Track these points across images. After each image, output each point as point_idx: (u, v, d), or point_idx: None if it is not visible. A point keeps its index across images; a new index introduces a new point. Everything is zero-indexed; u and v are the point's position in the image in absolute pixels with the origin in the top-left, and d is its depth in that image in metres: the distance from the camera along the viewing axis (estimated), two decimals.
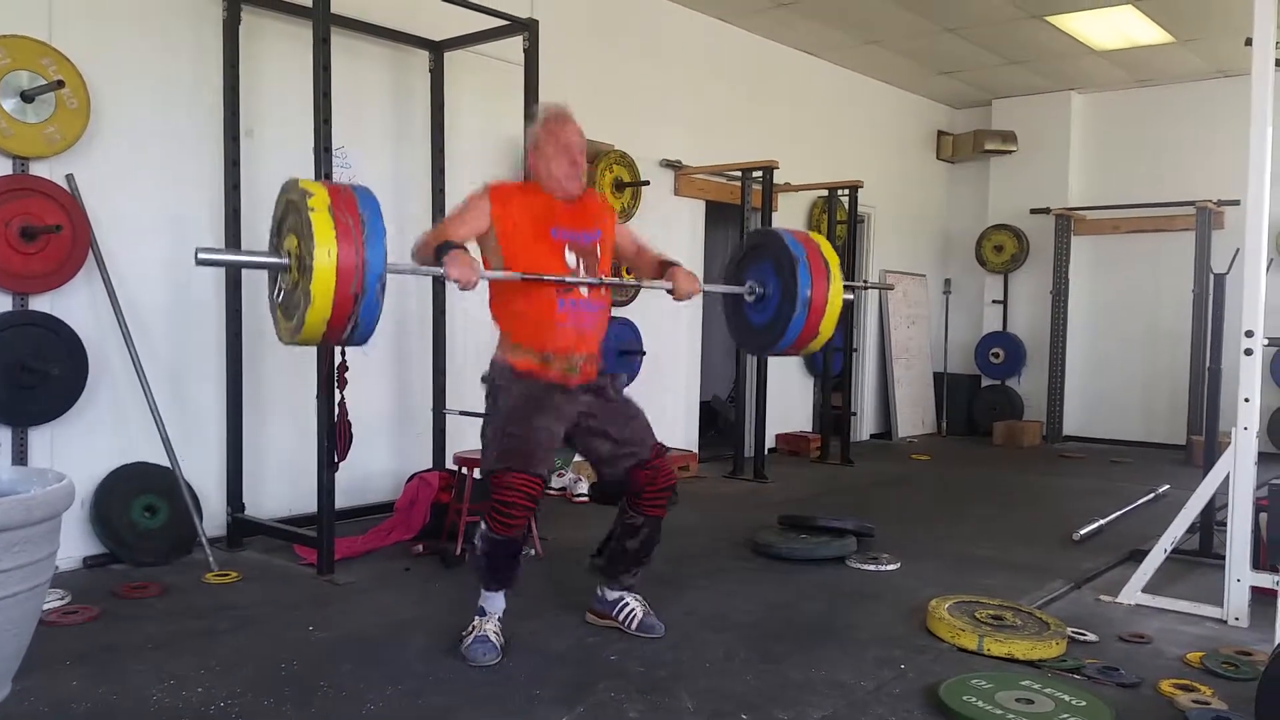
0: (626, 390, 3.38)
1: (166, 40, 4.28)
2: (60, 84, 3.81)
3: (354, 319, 2.48)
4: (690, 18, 6.97)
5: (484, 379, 3.21)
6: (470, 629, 3.12)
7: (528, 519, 3.06)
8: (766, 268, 3.49)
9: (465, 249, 2.96)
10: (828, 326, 3.43)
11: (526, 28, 4.69)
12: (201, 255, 2.58)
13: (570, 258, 3.10)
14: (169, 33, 4.28)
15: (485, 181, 3.21)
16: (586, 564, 3.47)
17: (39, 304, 3.91)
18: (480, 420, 3.24)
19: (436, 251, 2.92)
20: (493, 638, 3.07)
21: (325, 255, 2.40)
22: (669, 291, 3.30)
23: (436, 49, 5.17)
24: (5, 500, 2.22)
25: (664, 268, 3.35)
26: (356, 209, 2.51)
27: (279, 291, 2.64)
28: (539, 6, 5.47)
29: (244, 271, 4.42)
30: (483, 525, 3.08)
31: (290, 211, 2.59)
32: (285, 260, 2.58)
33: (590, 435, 3.19)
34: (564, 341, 3.08)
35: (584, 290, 3.12)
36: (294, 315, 2.50)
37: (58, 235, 3.85)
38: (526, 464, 3.02)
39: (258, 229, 4.52)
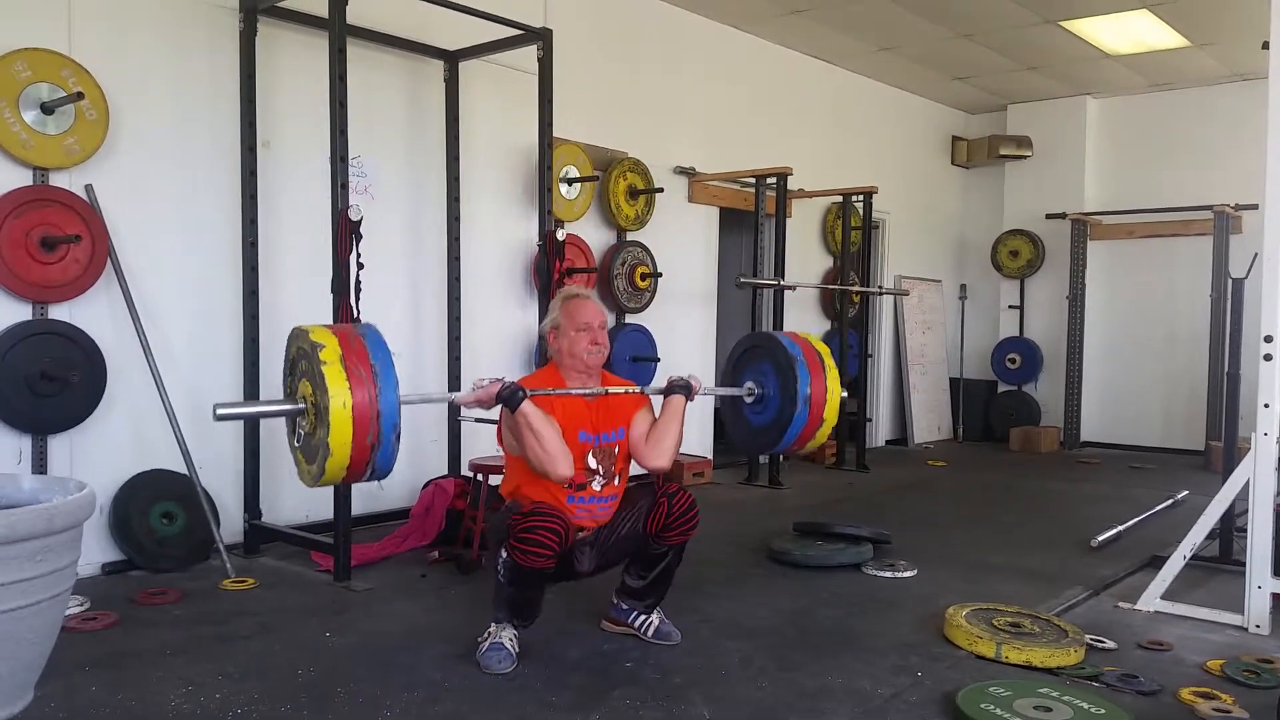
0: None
1: (184, 52, 4.32)
2: (80, 96, 3.85)
3: (372, 464, 2.53)
4: (703, 25, 6.98)
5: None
6: (485, 634, 3.12)
7: (555, 549, 2.98)
8: (765, 368, 3.49)
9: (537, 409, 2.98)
10: (829, 420, 3.43)
11: (541, 37, 4.71)
12: (220, 411, 2.58)
13: (591, 461, 3.17)
14: (186, 44, 4.32)
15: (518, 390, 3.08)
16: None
17: (58, 313, 3.94)
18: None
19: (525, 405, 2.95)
20: (508, 644, 3.07)
21: (341, 407, 2.44)
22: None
23: (451, 59, 5.20)
24: (28, 510, 2.24)
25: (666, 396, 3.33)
26: (368, 359, 2.55)
27: (299, 436, 2.66)
28: (553, 16, 5.49)
29: (260, 280, 4.45)
30: (503, 554, 3.05)
31: (301, 358, 2.61)
32: (302, 406, 2.61)
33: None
34: (576, 523, 3.14)
35: (596, 487, 3.18)
36: (315, 462, 2.54)
37: (77, 245, 3.88)
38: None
39: (273, 239, 4.56)
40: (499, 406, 2.96)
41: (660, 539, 3.22)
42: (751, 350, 3.60)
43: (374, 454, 2.51)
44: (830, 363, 3.45)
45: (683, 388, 3.27)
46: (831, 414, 3.42)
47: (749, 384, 3.53)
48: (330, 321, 3.94)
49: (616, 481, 3.25)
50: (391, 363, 2.59)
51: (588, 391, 3.18)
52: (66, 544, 2.34)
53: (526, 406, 2.94)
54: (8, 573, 2.18)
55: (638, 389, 3.30)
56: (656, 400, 3.36)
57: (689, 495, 3.26)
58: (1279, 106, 3.55)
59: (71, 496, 2.39)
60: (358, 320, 3.91)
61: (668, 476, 3.32)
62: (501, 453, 3.28)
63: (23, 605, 2.23)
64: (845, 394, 3.48)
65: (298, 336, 2.68)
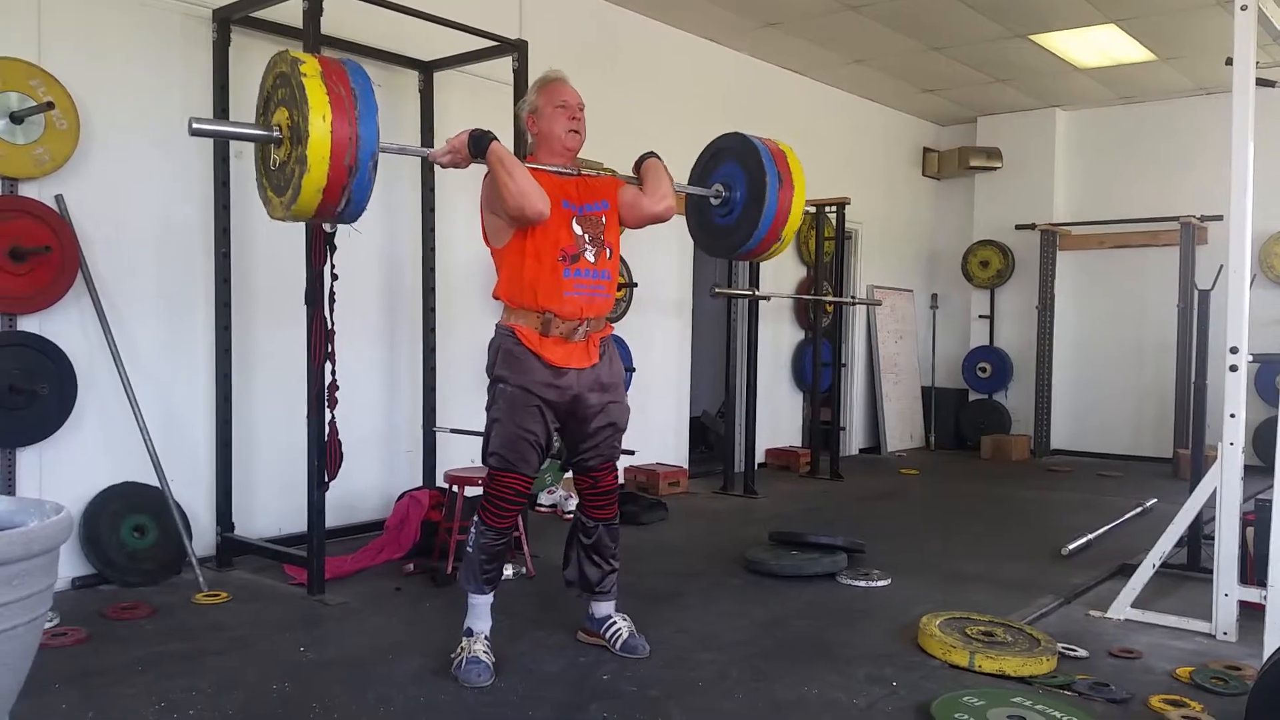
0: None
1: (156, 61, 4.29)
2: (50, 105, 3.82)
3: (348, 193, 2.51)
4: (678, 37, 7.02)
5: (489, 370, 3.21)
6: (459, 650, 3.12)
7: (517, 515, 3.17)
8: (734, 171, 3.49)
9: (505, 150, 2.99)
10: (791, 230, 3.47)
11: (516, 48, 4.72)
12: (195, 125, 2.62)
13: (576, 228, 3.13)
14: (159, 54, 4.30)
15: None
16: (566, 584, 3.48)
17: (27, 324, 3.90)
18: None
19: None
20: (484, 658, 3.07)
21: (320, 121, 2.44)
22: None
23: (426, 69, 5.20)
24: (4, 535, 2.20)
25: (639, 168, 3.37)
26: (349, 82, 2.55)
27: (271, 164, 2.65)
28: (528, 27, 5.51)
29: (233, 291, 4.42)
30: (475, 518, 3.15)
31: (280, 84, 2.60)
32: (277, 133, 2.60)
33: (571, 421, 3.22)
34: (568, 307, 3.10)
35: (590, 257, 3.13)
36: (288, 187, 2.51)
37: (46, 256, 3.84)
38: (518, 465, 3.11)
39: (248, 248, 4.53)
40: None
41: (585, 511, 3.34)
42: (724, 151, 3.58)
43: (351, 179, 2.49)
44: (799, 173, 3.46)
45: (650, 153, 3.36)
46: (794, 225, 3.46)
47: (717, 186, 3.54)
48: (305, 331, 3.93)
49: (609, 255, 3.19)
50: (372, 91, 2.59)
51: (564, 170, 3.16)
52: (43, 568, 2.30)
53: (496, 146, 2.95)
54: None
55: (613, 172, 3.34)
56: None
57: (613, 484, 3.35)
58: (1242, 122, 3.61)
59: (49, 520, 2.35)
60: (333, 334, 3.89)
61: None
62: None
63: None
64: (813, 201, 3.54)
65: (277, 61, 2.66)
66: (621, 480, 6.58)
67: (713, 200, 3.56)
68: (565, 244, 3.09)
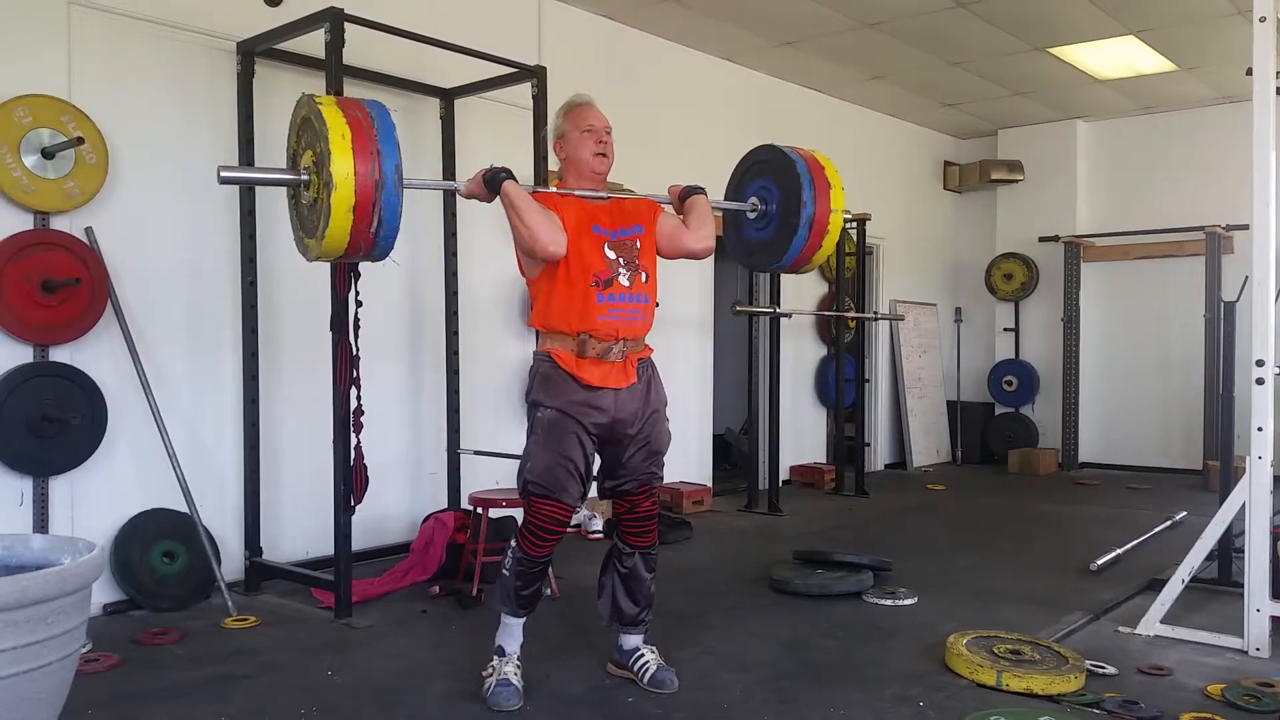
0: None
1: (182, 94, 4.37)
2: (80, 140, 3.90)
3: (378, 209, 2.55)
4: (696, 58, 7.07)
5: (527, 396, 3.18)
6: (490, 670, 3.12)
7: (556, 544, 3.10)
8: (769, 184, 3.46)
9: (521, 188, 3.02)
10: (830, 241, 3.41)
11: (535, 74, 4.77)
12: (224, 174, 2.69)
13: (609, 253, 3.08)
14: (185, 87, 4.38)
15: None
16: (599, 618, 3.44)
17: (59, 355, 3.97)
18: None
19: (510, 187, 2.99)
20: (514, 680, 3.07)
21: (340, 139, 2.52)
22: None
23: (447, 96, 5.26)
24: (40, 574, 2.26)
25: (683, 203, 3.37)
26: (364, 108, 2.64)
27: (303, 210, 2.71)
28: (546, 53, 5.57)
29: (260, 318, 4.48)
30: (513, 544, 3.11)
31: (304, 128, 2.68)
32: (304, 176, 2.67)
33: (609, 443, 3.17)
34: (604, 329, 3.05)
35: (624, 281, 3.08)
36: (318, 218, 2.57)
37: (77, 287, 3.92)
38: (558, 493, 3.06)
39: (274, 276, 4.59)
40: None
41: (621, 536, 3.27)
42: (758, 164, 3.55)
43: (379, 193, 2.54)
44: (836, 180, 3.40)
45: (698, 188, 3.35)
46: (833, 236, 3.40)
47: (753, 199, 3.50)
48: (331, 356, 3.97)
49: (644, 279, 3.14)
50: (391, 121, 2.66)
51: (594, 195, 3.15)
52: (76, 605, 2.36)
53: (508, 186, 2.97)
54: (19, 636, 2.20)
55: (649, 196, 3.34)
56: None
57: (653, 509, 3.28)
58: (1263, 133, 3.60)
59: (82, 559, 2.41)
60: (357, 360, 3.94)
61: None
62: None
63: (34, 668, 2.24)
64: (848, 214, 3.46)
65: (301, 105, 2.74)
66: None
67: (749, 214, 3.51)
68: (597, 269, 3.04)
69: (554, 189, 3.16)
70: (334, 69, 4.00)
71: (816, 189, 3.34)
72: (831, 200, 3.36)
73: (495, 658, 3.14)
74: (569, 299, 3.05)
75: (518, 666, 3.13)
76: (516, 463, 3.21)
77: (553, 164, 3.48)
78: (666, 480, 6.49)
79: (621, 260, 3.10)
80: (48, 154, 3.86)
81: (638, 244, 3.16)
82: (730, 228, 3.65)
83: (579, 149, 3.17)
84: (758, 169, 3.56)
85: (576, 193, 3.14)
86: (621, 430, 3.12)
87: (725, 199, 3.63)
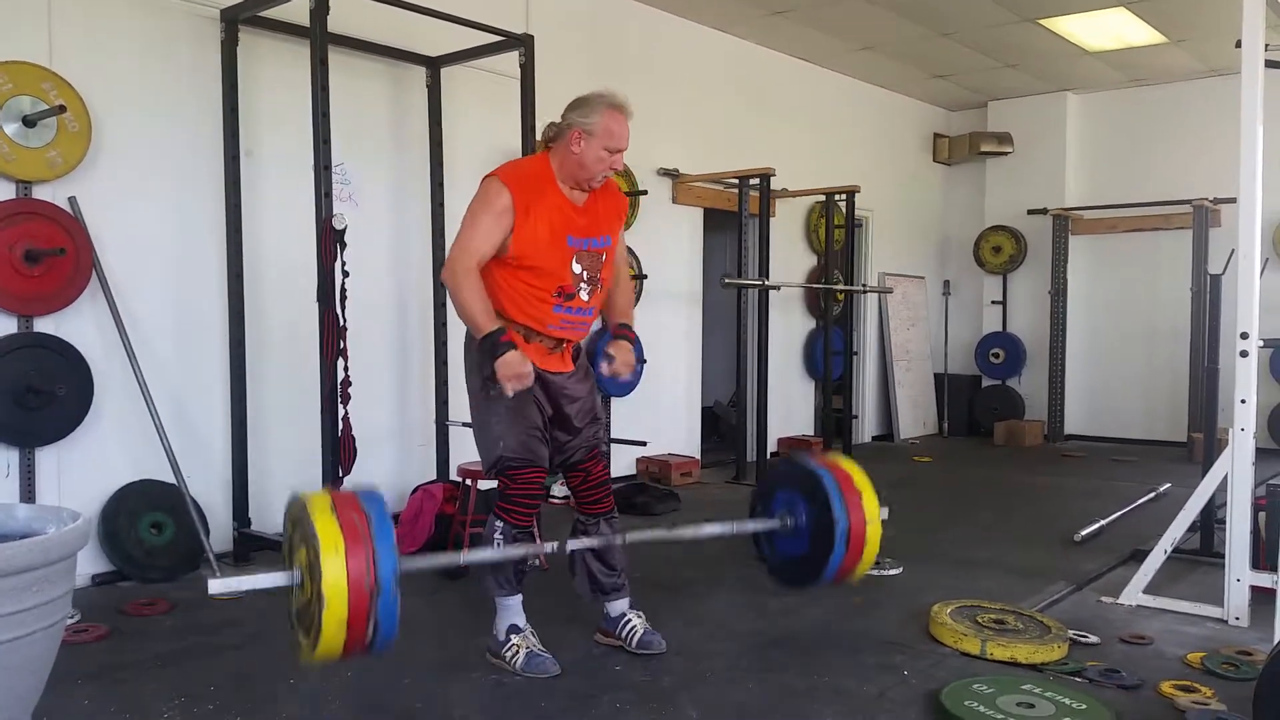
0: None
1: (166, 62, 4.32)
2: (62, 108, 3.85)
3: (373, 618, 2.39)
4: (685, 27, 7.01)
5: (477, 370, 3.11)
6: (513, 648, 3.11)
7: (539, 508, 3.15)
8: (794, 497, 3.30)
9: (514, 342, 2.96)
10: (869, 555, 3.20)
11: (522, 43, 4.73)
12: (214, 587, 2.50)
13: (576, 266, 3.08)
14: (168, 55, 4.33)
15: (501, 176, 3.06)
16: (579, 597, 3.41)
17: (44, 325, 3.94)
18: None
19: (485, 341, 2.93)
20: (543, 651, 3.11)
21: (334, 552, 2.34)
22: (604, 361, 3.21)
23: (434, 64, 5.21)
24: (23, 543, 2.26)
25: (616, 326, 3.32)
26: (360, 507, 2.47)
27: (298, 609, 2.54)
28: (534, 21, 5.51)
29: (245, 288, 4.47)
30: (499, 524, 3.11)
31: (297, 528, 2.51)
32: (296, 577, 2.49)
33: (556, 420, 3.20)
34: (553, 334, 3.11)
35: (584, 296, 3.11)
36: (311, 626, 2.40)
37: (61, 257, 3.88)
38: (535, 459, 3.10)
39: (259, 246, 4.57)
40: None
41: (581, 509, 3.31)
42: (779, 480, 3.43)
43: (374, 603, 2.36)
44: (866, 485, 3.22)
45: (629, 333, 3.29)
46: (873, 546, 3.18)
47: (781, 514, 3.31)
48: (318, 327, 3.96)
49: (600, 290, 3.18)
50: (386, 512, 2.50)
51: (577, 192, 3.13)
52: (61, 574, 2.36)
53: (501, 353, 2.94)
54: (3, 605, 2.20)
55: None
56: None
57: (605, 474, 3.32)
58: (1251, 105, 3.60)
59: (66, 527, 2.41)
60: (344, 331, 3.93)
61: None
62: None
63: (18, 636, 2.25)
64: (885, 514, 3.24)
65: (291, 506, 2.57)
66: (633, 471, 6.61)
67: (779, 531, 3.31)
68: (563, 282, 3.06)
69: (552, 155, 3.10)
70: (319, 37, 3.96)
71: (848, 502, 3.16)
72: (866, 510, 3.17)
73: (512, 636, 3.13)
74: (527, 300, 3.06)
75: (536, 637, 3.16)
76: None
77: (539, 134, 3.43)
78: (654, 452, 6.58)
79: (585, 275, 3.12)
80: (29, 122, 3.82)
81: (603, 257, 3.18)
82: (765, 543, 3.47)
83: (593, 162, 3.04)
84: (778, 485, 3.42)
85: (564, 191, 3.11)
86: (567, 404, 3.18)
87: (751, 517, 3.46)
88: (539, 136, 3.23)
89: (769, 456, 6.96)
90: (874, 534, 3.17)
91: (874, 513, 3.18)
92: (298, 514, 2.49)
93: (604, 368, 3.19)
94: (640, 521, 5.47)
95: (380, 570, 2.38)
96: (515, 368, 2.91)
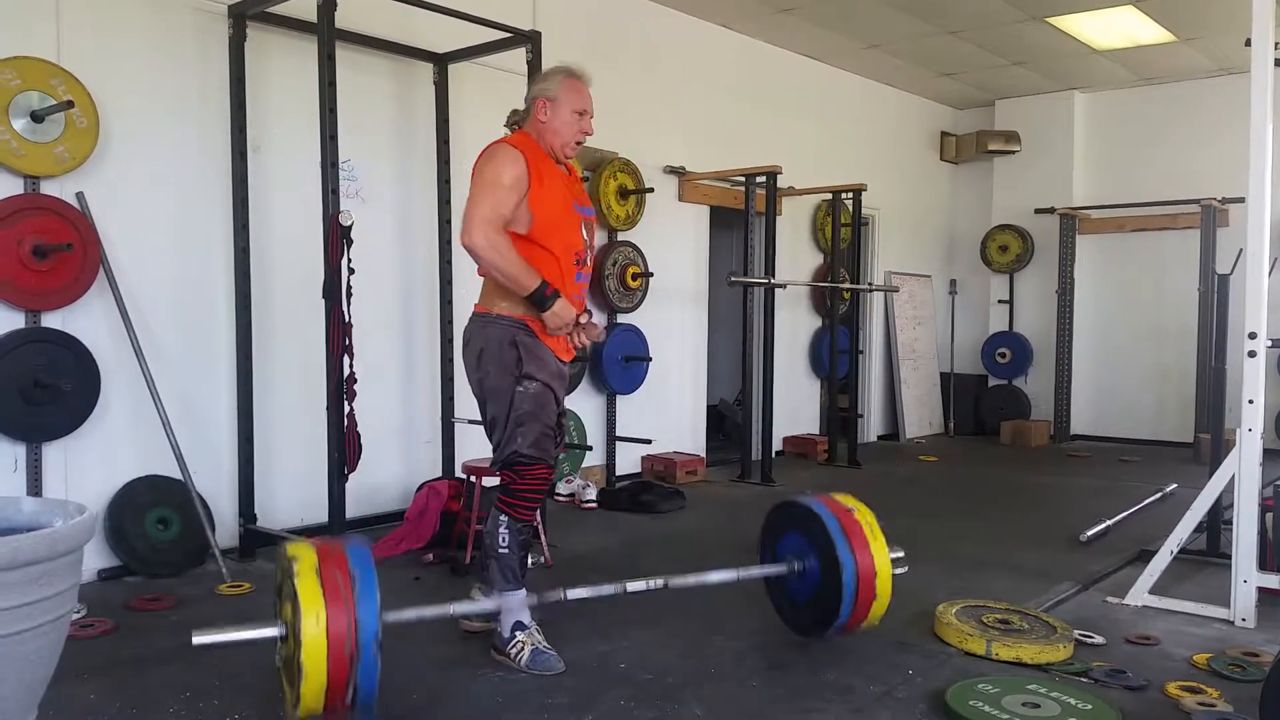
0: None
1: (173, 58, 4.32)
2: (70, 104, 3.86)
3: (353, 682, 2.40)
4: (692, 24, 7.00)
5: (518, 368, 3.06)
6: (518, 644, 3.10)
7: (542, 502, 3.19)
8: (799, 540, 3.32)
9: (559, 291, 3.03)
10: (883, 593, 3.17)
11: (529, 39, 4.72)
12: (198, 640, 2.48)
13: (584, 233, 3.21)
14: (176, 51, 4.33)
15: (512, 142, 3.09)
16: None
17: (51, 320, 3.95)
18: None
19: (535, 294, 2.97)
20: (549, 648, 3.11)
21: (314, 622, 2.34)
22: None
23: (441, 61, 5.21)
24: (30, 536, 2.26)
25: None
26: (347, 566, 2.46)
27: (281, 661, 2.57)
28: (541, 18, 5.51)
29: (253, 285, 4.47)
30: (503, 518, 3.12)
31: (285, 578, 2.51)
32: (281, 631, 2.50)
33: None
34: (576, 302, 3.16)
35: (588, 261, 3.26)
36: (294, 683, 2.40)
37: (69, 253, 3.89)
38: (547, 457, 3.14)
39: (266, 242, 4.57)
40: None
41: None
42: (782, 522, 3.45)
43: (354, 669, 2.38)
44: (870, 520, 3.22)
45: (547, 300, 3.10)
46: (885, 585, 3.16)
47: (788, 558, 3.33)
48: (324, 324, 3.97)
49: (590, 263, 3.31)
50: (373, 570, 2.50)
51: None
52: (68, 567, 2.36)
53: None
54: (9, 598, 2.20)
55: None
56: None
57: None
58: (1261, 104, 3.58)
59: (73, 520, 2.41)
60: (350, 327, 3.93)
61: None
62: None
63: (25, 629, 2.25)
64: (900, 557, 3.21)
65: (279, 555, 2.58)
66: (639, 469, 6.61)
67: (787, 575, 3.33)
68: (578, 248, 3.17)
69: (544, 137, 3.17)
70: (326, 33, 3.96)
71: (853, 543, 3.14)
72: (874, 552, 3.14)
73: (518, 633, 3.12)
74: (550, 273, 3.06)
75: (541, 633, 3.16)
76: None
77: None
78: (659, 450, 6.58)
79: (587, 243, 3.25)
80: (37, 117, 3.82)
81: (594, 225, 3.33)
82: (775, 591, 3.48)
83: (563, 126, 3.14)
84: (782, 527, 3.42)
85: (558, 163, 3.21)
86: (562, 395, 3.22)
87: (761, 562, 3.47)
88: (504, 124, 3.31)
89: (774, 455, 6.95)
90: (885, 575, 3.17)
91: (882, 552, 3.18)
92: (285, 567, 2.50)
93: (581, 338, 3.21)
94: (646, 519, 5.47)
95: (361, 636, 2.40)
96: (566, 315, 3.03)
